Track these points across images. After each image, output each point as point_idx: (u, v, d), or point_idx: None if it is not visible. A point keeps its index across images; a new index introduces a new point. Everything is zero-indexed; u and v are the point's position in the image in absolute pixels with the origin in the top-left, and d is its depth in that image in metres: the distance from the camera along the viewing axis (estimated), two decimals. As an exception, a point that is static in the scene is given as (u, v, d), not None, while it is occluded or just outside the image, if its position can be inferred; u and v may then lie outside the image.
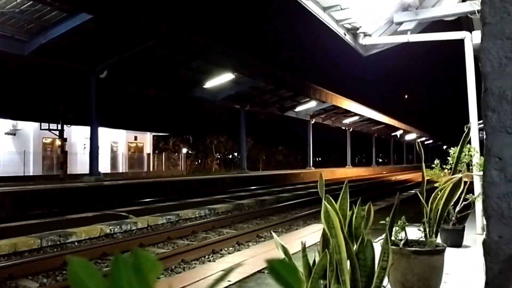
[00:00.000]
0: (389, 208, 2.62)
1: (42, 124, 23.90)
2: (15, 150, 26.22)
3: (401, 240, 3.36)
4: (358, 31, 7.51)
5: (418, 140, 3.72)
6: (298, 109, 32.70)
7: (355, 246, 2.20)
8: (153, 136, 37.28)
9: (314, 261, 2.14)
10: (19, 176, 22.96)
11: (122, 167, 32.83)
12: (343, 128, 43.74)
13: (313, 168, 35.97)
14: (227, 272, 0.54)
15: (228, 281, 3.84)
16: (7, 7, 13.72)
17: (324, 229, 2.17)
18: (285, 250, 2.23)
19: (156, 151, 37.70)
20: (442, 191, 3.68)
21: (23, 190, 13.64)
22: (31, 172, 26.06)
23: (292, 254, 2.25)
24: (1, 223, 9.74)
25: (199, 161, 43.27)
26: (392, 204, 2.71)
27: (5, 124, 26.09)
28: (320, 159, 58.12)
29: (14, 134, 26.91)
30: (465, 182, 4.10)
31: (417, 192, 3.59)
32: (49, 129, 23.36)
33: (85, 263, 0.48)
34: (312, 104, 31.87)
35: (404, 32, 7.64)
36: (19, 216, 11.28)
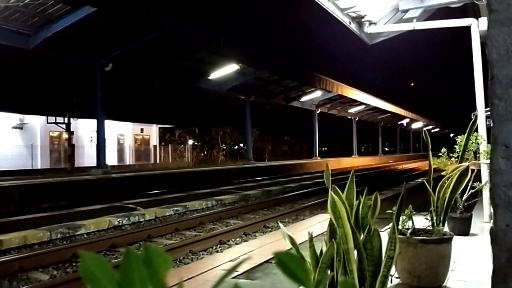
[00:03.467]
0: (396, 197, 2.61)
1: (48, 117, 24.00)
2: (23, 144, 26.40)
3: (408, 229, 3.37)
4: (363, 20, 7.45)
5: (425, 129, 3.70)
6: (303, 99, 32.60)
7: (362, 236, 2.20)
8: (159, 128, 37.35)
9: (321, 251, 2.15)
10: (27, 170, 23.13)
11: (129, 160, 32.98)
12: (349, 117, 43.58)
13: (319, 158, 35.94)
14: (236, 264, 0.55)
15: (236, 271, 3.87)
16: (11, 1, 13.71)
17: (331, 219, 2.18)
18: (292, 241, 2.25)
19: (162, 143, 37.80)
20: (449, 180, 3.67)
21: (32, 184, 13.75)
22: (39, 165, 26.25)
23: (299, 244, 2.26)
24: (11, 216, 9.84)
25: (205, 152, 43.35)
26: (399, 193, 2.71)
27: (12, 118, 26.24)
28: (326, 148, 58.04)
29: (22, 128, 27.07)
30: (472, 170, 4.08)
31: (424, 180, 3.59)
32: (55, 123, 23.46)
33: (97, 257, 0.49)
34: (318, 94, 31.74)
35: (409, 20, 7.57)
36: (28, 209, 11.40)
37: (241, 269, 4.49)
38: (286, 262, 0.51)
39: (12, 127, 26.52)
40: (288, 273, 0.50)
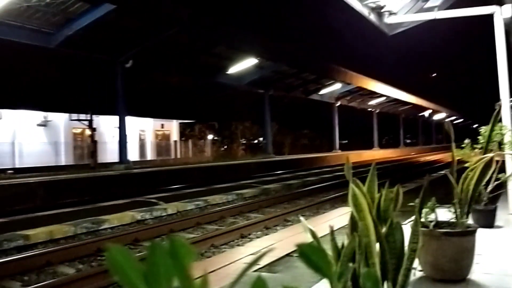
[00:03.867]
0: (418, 189, 2.59)
1: (71, 114, 24.44)
2: (47, 140, 26.97)
3: (431, 221, 3.32)
4: (382, 10, 7.34)
5: (447, 120, 3.65)
6: (322, 92, 32.38)
7: (384, 229, 2.19)
8: (179, 123, 37.65)
9: (343, 244, 2.14)
10: (51, 166, 23.64)
11: (150, 155, 33.37)
12: (369, 109, 43.11)
13: (339, 151, 35.70)
14: (259, 256, 0.56)
15: (257, 264, 3.90)
16: (33, 0, 13.98)
17: (352, 212, 2.17)
18: (313, 234, 2.24)
19: (183, 138, 38.11)
20: (473, 171, 3.61)
21: (56, 180, 14.05)
22: (62, 162, 26.79)
23: (320, 237, 2.26)
24: (37, 212, 10.09)
25: (225, 147, 43.53)
26: (421, 185, 2.68)
27: (37, 116, 26.81)
28: (346, 141, 57.61)
29: (46, 125, 27.65)
30: (497, 161, 4.00)
31: (447, 172, 3.53)
32: (78, 120, 23.88)
33: (123, 250, 0.50)
34: (337, 86, 31.49)
35: (430, 9, 7.42)
36: (53, 204, 11.66)
37: (262, 263, 4.51)
38: (308, 253, 0.51)
39: (37, 125, 27.10)
40: (311, 264, 0.50)
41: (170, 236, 0.53)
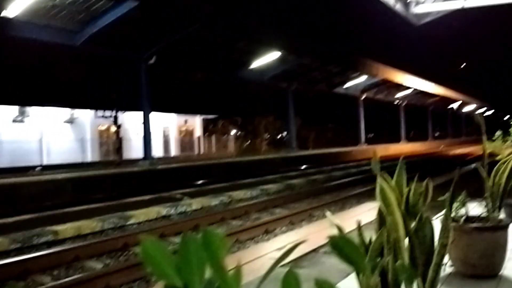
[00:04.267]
0: (448, 184, 2.50)
1: (97, 111, 24.86)
2: (73, 137, 27.53)
3: (461, 216, 3.22)
4: (408, 0, 7.16)
5: (478, 111, 3.52)
6: (347, 85, 32.00)
7: (413, 224, 2.12)
8: (203, 119, 37.88)
9: (370, 239, 2.08)
10: (78, 163, 24.14)
11: (174, 151, 33.70)
12: (396, 102, 42.42)
13: (365, 145, 35.27)
14: (292, 247, 0.55)
15: (288, 256, 3.87)
16: (58, -1, 14.23)
17: (379, 207, 2.10)
18: (339, 229, 2.19)
19: (206, 134, 38.33)
20: (505, 164, 3.49)
21: (84, 176, 14.33)
22: (89, 158, 27.31)
23: (346, 233, 2.20)
24: (65, 208, 10.30)
25: (248, 142, 43.59)
26: (451, 179, 2.59)
27: (63, 113, 27.38)
28: (372, 135, 56.90)
29: (72, 123, 28.22)
30: (530, 154, 3.85)
31: (478, 166, 3.42)
32: (104, 116, 24.27)
33: (156, 242, 0.51)
34: (362, 79, 31.07)
35: (458, -2, 7.20)
36: (81, 200, 11.89)
37: (288, 258, 4.47)
38: (340, 246, 0.49)
39: (63, 122, 27.69)
40: (343, 257, 0.48)
41: (204, 227, 0.53)
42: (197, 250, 0.50)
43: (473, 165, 16.33)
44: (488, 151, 3.63)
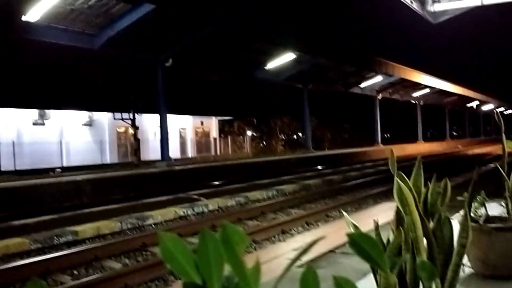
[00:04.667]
0: (466, 184, 2.47)
1: (115, 113, 25.17)
2: (92, 139, 27.91)
3: (481, 216, 3.18)
4: (425, -2, 7.10)
5: (497, 110, 3.47)
6: (363, 84, 31.76)
7: (431, 224, 2.10)
8: (218, 120, 38.02)
9: (388, 240, 2.08)
10: (97, 164, 24.45)
11: (190, 152, 33.89)
12: (413, 101, 41.93)
13: (382, 145, 34.96)
14: (312, 243, 0.55)
15: (305, 254, 3.88)
16: (77, 3, 14.46)
17: (397, 206, 2.10)
18: (356, 229, 2.19)
19: (222, 135, 38.45)
20: (526, 163, 3.43)
21: (102, 177, 14.51)
22: (108, 160, 27.65)
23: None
24: (84, 208, 10.45)
25: (264, 143, 43.58)
26: (470, 179, 2.56)
27: (82, 116, 27.78)
28: (388, 135, 56.31)
29: (91, 125, 28.60)
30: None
31: (497, 165, 3.37)
32: (122, 118, 24.54)
33: (175, 238, 0.51)
34: (378, 78, 30.80)
35: (476, -5, 7.10)
36: (100, 201, 12.04)
37: (304, 258, 4.47)
38: (360, 242, 0.49)
39: (82, 124, 28.09)
40: (362, 253, 0.48)
41: (223, 223, 0.53)
42: (216, 246, 0.50)
43: (492, 165, 16.07)
44: (508, 150, 3.58)
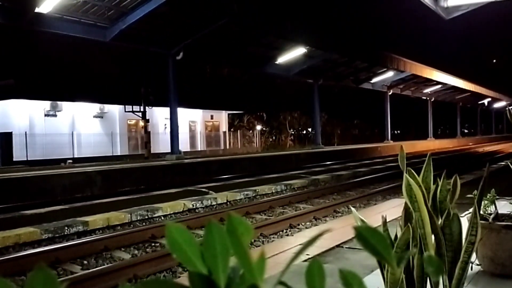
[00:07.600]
0: (476, 181, 2.46)
1: (126, 106, 25.33)
2: (103, 132, 28.12)
3: (490, 214, 3.16)
4: (438, -7, 7.02)
5: (509, 108, 3.43)
6: (374, 80, 31.57)
7: (440, 220, 2.10)
8: (228, 114, 38.07)
9: (396, 235, 2.08)
10: (108, 156, 24.64)
11: (200, 145, 34.01)
12: (424, 98, 41.57)
13: (392, 141, 34.76)
14: (319, 234, 0.55)
15: (307, 254, 3.88)
16: (89, -4, 14.54)
17: (406, 203, 2.09)
18: (364, 222, 2.19)
19: (232, 129, 38.51)
20: (538, 162, 3.39)
21: (113, 169, 14.63)
22: (118, 152, 27.86)
23: (372, 228, 2.20)
24: (95, 199, 10.56)
25: (274, 137, 43.56)
26: (480, 177, 2.54)
27: (93, 108, 27.99)
28: (399, 131, 55.93)
29: (102, 117, 28.81)
30: None
31: (508, 163, 3.34)
32: (132, 111, 24.69)
33: (182, 228, 0.52)
34: (389, 74, 30.59)
35: (491, -9, 7.01)
36: (110, 193, 12.15)
37: (311, 253, 4.48)
38: (367, 236, 0.49)
39: (93, 116, 28.30)
40: (369, 247, 0.49)
41: (228, 213, 0.54)
42: (222, 237, 0.50)
43: (503, 163, 15.89)
44: (519, 148, 3.54)
